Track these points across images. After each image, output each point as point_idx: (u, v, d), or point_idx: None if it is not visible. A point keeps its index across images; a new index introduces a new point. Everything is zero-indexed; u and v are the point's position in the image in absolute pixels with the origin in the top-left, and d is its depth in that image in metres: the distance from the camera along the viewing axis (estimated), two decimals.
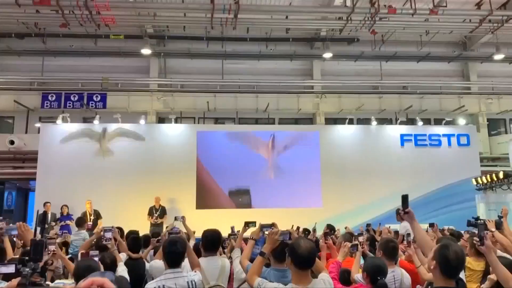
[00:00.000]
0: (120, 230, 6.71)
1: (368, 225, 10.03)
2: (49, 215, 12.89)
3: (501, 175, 13.63)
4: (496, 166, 17.20)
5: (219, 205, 14.83)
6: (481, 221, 4.66)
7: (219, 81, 17.71)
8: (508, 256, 4.50)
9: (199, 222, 10.72)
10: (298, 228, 8.62)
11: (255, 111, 17.93)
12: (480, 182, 14.47)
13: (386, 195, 14.46)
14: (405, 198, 3.54)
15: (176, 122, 16.00)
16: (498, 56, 17.67)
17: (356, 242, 5.03)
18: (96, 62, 17.64)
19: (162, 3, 15.27)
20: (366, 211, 14.51)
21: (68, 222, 12.53)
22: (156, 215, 13.39)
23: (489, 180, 14.00)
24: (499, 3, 15.75)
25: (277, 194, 15.11)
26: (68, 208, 13.13)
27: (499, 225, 5.07)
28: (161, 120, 17.83)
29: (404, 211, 3.50)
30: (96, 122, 15.34)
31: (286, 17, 15.44)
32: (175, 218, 7.94)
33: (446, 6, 15.10)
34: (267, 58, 18.11)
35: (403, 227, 8.31)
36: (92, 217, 12.89)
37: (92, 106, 16.81)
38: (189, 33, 16.95)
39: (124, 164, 14.77)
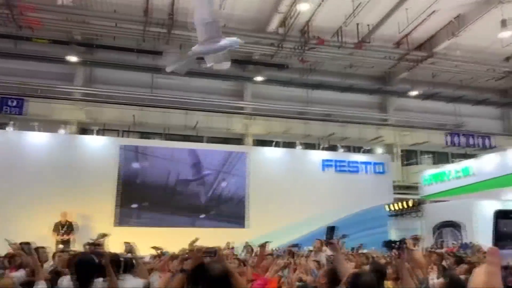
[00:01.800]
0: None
1: (294, 245, 10.31)
2: None
3: (410, 203, 14.68)
4: (407, 194, 18.47)
5: (141, 224, 14.33)
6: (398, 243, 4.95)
7: (148, 95, 17.34)
8: None
9: (118, 240, 10.31)
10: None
11: (184, 128, 17.74)
12: (392, 209, 15.45)
13: (309, 217, 14.92)
14: (330, 230, 3.59)
15: (98, 134, 15.34)
16: (413, 93, 19.28)
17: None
18: (15, 65, 16.47)
19: (94, 11, 14.79)
20: (290, 232, 14.80)
21: None
22: (63, 231, 12.48)
23: (400, 207, 15.00)
24: (416, 44, 17.21)
25: (201, 213, 14.97)
26: None
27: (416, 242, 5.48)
28: (83, 131, 16.97)
29: (328, 242, 3.57)
30: (9, 129, 14.26)
31: None
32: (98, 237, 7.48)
33: (369, 43, 16.24)
34: (199, 76, 18.08)
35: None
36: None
37: (6, 112, 15.59)
38: (119, 44, 16.48)
39: (39, 174, 13.79)
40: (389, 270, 5.16)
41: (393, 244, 4.76)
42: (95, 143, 15.03)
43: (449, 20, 15.72)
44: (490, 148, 19.75)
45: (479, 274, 0.85)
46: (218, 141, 18.27)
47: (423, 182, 17.61)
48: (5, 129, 14.37)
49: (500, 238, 0.88)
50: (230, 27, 15.65)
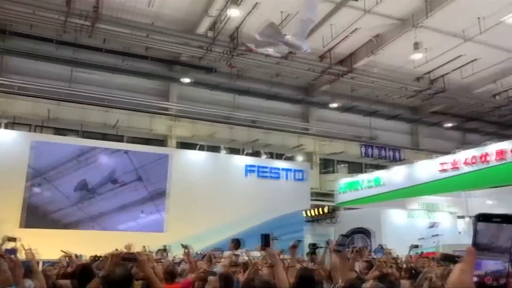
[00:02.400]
0: None
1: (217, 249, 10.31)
2: None
3: (326, 209, 15.34)
4: (324, 201, 19.29)
5: (50, 225, 13.42)
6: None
7: (65, 89, 16.34)
8: None
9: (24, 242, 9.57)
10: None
11: (103, 126, 16.98)
12: (309, 215, 16.04)
13: (231, 221, 15.02)
14: (265, 237, 3.60)
15: (7, 128, 14.17)
16: (333, 105, 20.24)
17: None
18: None
19: None
20: (210, 236, 14.74)
21: None
22: None
23: (316, 213, 15.62)
24: (338, 59, 18.08)
25: (118, 216, 14.40)
26: None
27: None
28: None
29: (263, 249, 3.59)
30: None
31: (147, 35, 15.23)
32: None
33: (295, 54, 16.75)
34: (122, 73, 17.45)
35: None
36: None
37: None
38: (37, 33, 15.36)
39: None
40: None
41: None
42: (3, 137, 13.84)
43: (369, 39, 16.73)
44: (400, 161, 21.34)
45: (454, 272, 0.91)
46: (139, 142, 17.74)
47: (338, 190, 18.48)
48: None
49: (478, 247, 0.91)
50: (159, 26, 15.34)
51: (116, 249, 4.91)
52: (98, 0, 13.78)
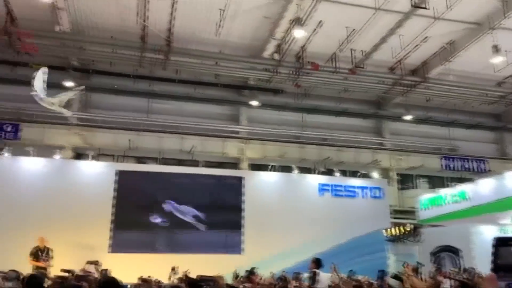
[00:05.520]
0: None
1: (295, 273, 10.24)
2: None
3: (408, 227, 14.57)
4: (404, 219, 18.36)
5: (136, 250, 14.08)
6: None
7: (144, 120, 17.37)
8: None
9: (113, 267, 10.13)
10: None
11: (179, 152, 17.71)
12: (390, 234, 15.32)
13: (307, 242, 14.79)
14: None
15: (93, 159, 15.27)
16: (408, 117, 19.43)
17: None
18: (12, 90, 16.43)
19: (91, 37, 14.92)
20: (286, 258, 14.62)
21: None
22: (43, 257, 11.91)
23: (398, 232, 14.88)
24: (410, 69, 17.45)
25: (197, 239, 14.81)
26: None
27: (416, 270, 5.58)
28: (78, 156, 16.87)
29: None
30: (5, 154, 14.16)
31: (216, 63, 15.79)
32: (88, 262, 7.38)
33: (364, 68, 16.45)
34: (194, 101, 18.19)
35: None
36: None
37: (2, 137, 15.52)
38: (116, 69, 16.57)
39: (31, 201, 13.60)
40: None
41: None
42: (91, 168, 14.92)
43: (442, 46, 15.99)
44: (485, 172, 19.82)
45: None
46: (213, 166, 18.23)
47: (420, 207, 17.51)
48: (0, 154, 14.25)
49: (498, 268, 0.84)
50: (226, 54, 15.85)
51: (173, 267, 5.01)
52: (169, 34, 14.60)
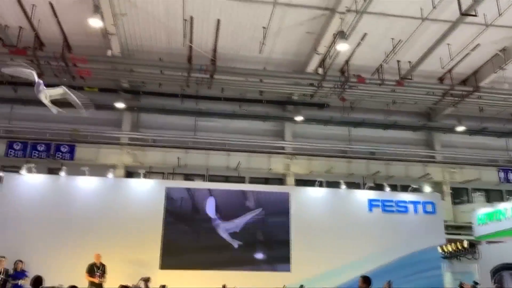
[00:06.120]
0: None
1: None
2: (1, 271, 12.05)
3: (465, 244, 13.84)
4: (460, 234, 17.48)
5: (187, 266, 14.26)
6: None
7: (191, 138, 17.77)
8: None
9: (164, 284, 10.32)
10: None
11: (226, 169, 17.91)
12: (446, 250, 14.61)
13: (357, 259, 14.41)
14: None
15: (144, 176, 15.75)
16: (460, 128, 18.63)
17: None
18: (68, 113, 17.35)
19: (140, 60, 15.54)
20: (335, 276, 14.31)
21: (21, 281, 11.73)
22: (98, 273, 12.45)
23: (454, 248, 14.17)
24: (460, 79, 16.80)
25: (246, 256, 14.82)
26: (23, 263, 12.37)
27: None
28: (129, 174, 17.49)
29: None
30: (62, 174, 14.93)
31: (260, 80, 15.94)
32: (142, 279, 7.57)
33: (411, 79, 16.00)
34: (240, 118, 18.41)
35: None
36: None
37: (59, 157, 16.40)
38: (164, 90, 17.13)
39: (87, 219, 14.21)
40: None
41: None
42: (142, 186, 15.38)
43: (494, 53, 15.30)
44: None
45: None
46: (259, 182, 18.26)
47: (477, 222, 16.61)
48: (58, 174, 15.02)
49: None
50: (270, 70, 15.97)
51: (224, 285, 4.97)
52: (214, 54, 14.94)
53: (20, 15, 13.35)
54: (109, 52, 14.60)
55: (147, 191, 15.21)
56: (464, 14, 11.98)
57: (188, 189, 15.65)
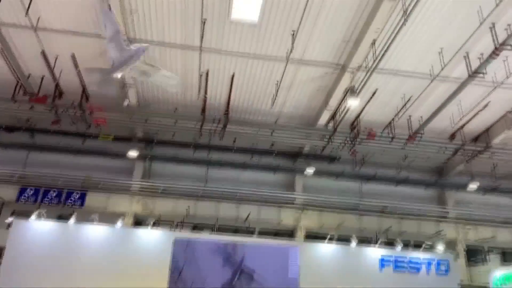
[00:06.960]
0: None
1: None
2: None
3: None
4: None
5: None
6: None
7: (202, 188, 17.78)
8: None
9: None
10: None
11: (235, 220, 17.72)
12: None
13: None
14: None
15: (154, 225, 15.63)
16: (473, 186, 18.30)
17: None
18: (81, 160, 17.71)
19: (155, 110, 15.92)
20: None
21: None
22: None
23: None
24: (472, 136, 16.77)
25: None
26: None
27: None
28: (138, 222, 17.38)
29: None
30: (71, 221, 14.91)
31: (272, 132, 16.13)
32: None
33: (422, 135, 16.00)
34: (251, 169, 18.46)
35: None
36: None
37: (69, 204, 16.46)
38: (177, 140, 17.37)
39: (94, 266, 14.00)
40: None
41: None
42: (149, 236, 15.22)
43: (505, 111, 15.38)
44: None
45: None
46: (269, 233, 17.90)
47: (493, 284, 15.99)
48: (67, 220, 15.01)
49: None
50: (282, 123, 16.20)
51: None
52: (228, 106, 15.28)
53: (43, 65, 13.94)
54: (125, 102, 15.02)
55: (154, 241, 15.01)
56: (473, 75, 12.17)
57: (196, 241, 15.29)
